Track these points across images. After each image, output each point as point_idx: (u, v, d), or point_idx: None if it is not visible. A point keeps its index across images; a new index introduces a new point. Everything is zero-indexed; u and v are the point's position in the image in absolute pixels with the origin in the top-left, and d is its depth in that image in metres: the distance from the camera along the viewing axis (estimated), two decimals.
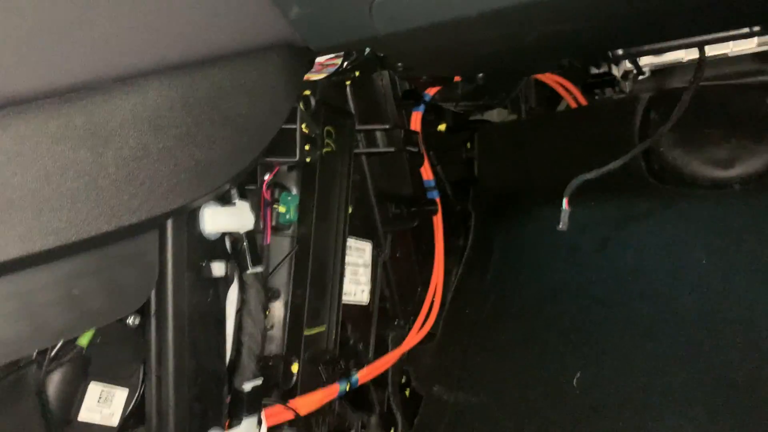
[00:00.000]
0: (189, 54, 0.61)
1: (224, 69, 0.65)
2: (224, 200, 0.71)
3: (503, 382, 0.95)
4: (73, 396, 0.61)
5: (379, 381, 0.98)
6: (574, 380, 0.90)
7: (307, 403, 0.78)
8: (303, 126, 0.79)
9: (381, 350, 1.00)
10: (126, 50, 0.56)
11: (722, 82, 1.03)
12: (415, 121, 1.05)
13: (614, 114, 1.11)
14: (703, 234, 0.95)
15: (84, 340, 0.60)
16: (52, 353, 0.58)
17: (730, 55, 1.00)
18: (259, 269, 0.72)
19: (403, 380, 1.02)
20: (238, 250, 0.71)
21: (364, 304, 0.98)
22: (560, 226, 0.90)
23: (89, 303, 0.57)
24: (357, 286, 0.97)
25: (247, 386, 0.70)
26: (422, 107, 1.04)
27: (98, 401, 0.63)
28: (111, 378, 0.65)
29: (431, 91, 1.05)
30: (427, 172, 1.07)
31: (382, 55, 0.78)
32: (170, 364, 0.63)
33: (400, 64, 0.69)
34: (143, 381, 0.68)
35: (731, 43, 0.98)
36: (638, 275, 0.96)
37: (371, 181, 1.00)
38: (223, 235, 0.70)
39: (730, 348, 0.85)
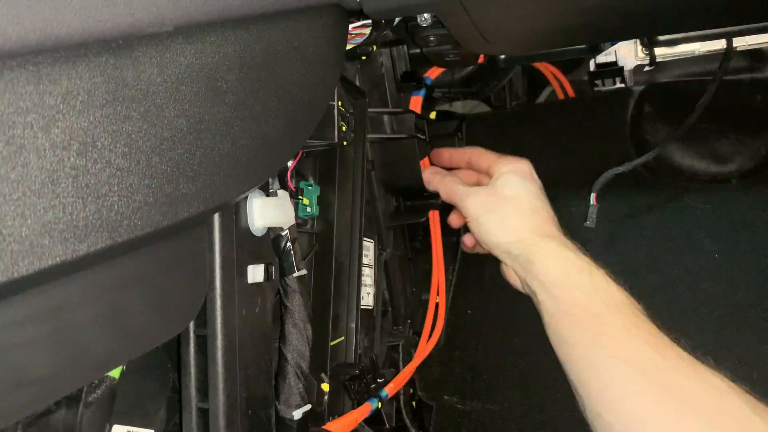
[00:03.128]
0: (250, 5, 0.49)
1: (278, 27, 0.53)
2: (265, 190, 0.58)
3: (525, 387, 0.89)
4: None
5: None
6: None
7: (343, 427, 0.67)
8: (339, 103, 0.68)
9: (390, 359, 0.91)
10: None
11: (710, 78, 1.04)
12: (415, 107, 0.96)
13: (605, 106, 1.09)
14: (712, 228, 0.95)
15: (116, 371, 0.46)
16: (86, 389, 0.43)
17: (720, 51, 1.00)
18: (304, 272, 0.60)
19: (410, 391, 0.93)
20: (281, 249, 0.59)
21: (370, 308, 0.88)
22: (587, 223, 0.87)
23: (135, 321, 0.43)
24: (364, 289, 0.87)
25: (297, 414, 0.58)
26: (423, 91, 0.96)
27: None
28: (135, 415, 0.51)
29: (433, 74, 0.97)
30: (425, 162, 0.98)
31: (427, 24, 0.69)
32: (220, 393, 0.50)
33: (464, 32, 0.61)
34: (169, 417, 0.54)
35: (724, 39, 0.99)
36: (651, 270, 0.94)
37: (376, 170, 0.90)
38: (268, 231, 0.58)
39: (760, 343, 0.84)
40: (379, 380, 0.80)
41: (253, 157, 0.50)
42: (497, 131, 1.16)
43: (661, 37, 0.91)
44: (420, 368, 0.93)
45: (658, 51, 0.95)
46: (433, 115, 1.08)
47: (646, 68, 0.98)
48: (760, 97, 1.03)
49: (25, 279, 0.34)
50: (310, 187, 0.72)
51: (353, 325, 0.77)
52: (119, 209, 0.39)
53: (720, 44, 0.95)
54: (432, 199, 0.97)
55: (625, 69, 0.98)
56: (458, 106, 1.36)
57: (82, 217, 0.37)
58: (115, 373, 0.46)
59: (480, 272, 1.04)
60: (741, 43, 0.99)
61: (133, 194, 0.40)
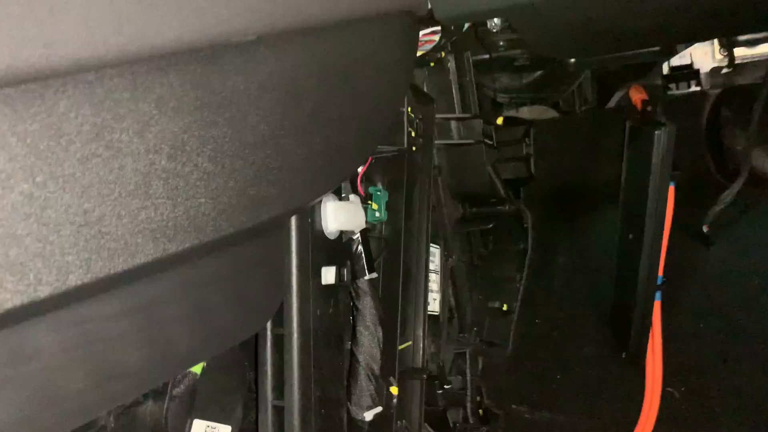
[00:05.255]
0: (327, 13, 0.50)
1: (353, 35, 0.54)
2: (338, 194, 0.60)
3: (595, 399, 0.87)
4: None
5: (456, 401, 0.88)
6: (676, 393, 0.83)
7: None
8: (408, 109, 0.68)
9: (456, 366, 0.91)
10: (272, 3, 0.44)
11: None
12: None
13: (679, 110, 1.06)
14: None
15: (198, 367, 0.48)
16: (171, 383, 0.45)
17: None
18: (374, 275, 0.61)
19: (477, 399, 0.92)
20: (353, 252, 0.60)
21: (436, 314, 0.88)
22: None
23: (218, 318, 0.45)
24: (430, 294, 0.87)
25: (369, 415, 0.58)
26: None
27: None
28: (215, 412, 0.52)
29: None
30: None
31: (497, 29, 0.69)
32: (295, 392, 0.51)
33: (534, 39, 0.60)
34: (245, 414, 0.56)
35: None
36: (729, 280, 0.90)
37: (443, 176, 0.90)
38: (341, 234, 0.59)
39: None
40: (446, 387, 0.80)
41: (328, 162, 0.51)
42: (566, 137, 1.15)
43: (741, 37, 0.88)
44: (488, 377, 0.93)
45: (738, 52, 0.91)
46: (500, 120, 1.07)
47: (724, 70, 0.95)
48: None
49: (121, 275, 0.36)
50: (378, 192, 0.72)
51: (420, 331, 0.77)
52: (206, 210, 0.41)
53: None
54: (499, 206, 0.96)
55: (701, 72, 0.94)
56: (524, 112, 1.34)
57: (171, 217, 0.39)
58: (197, 369, 0.48)
59: (549, 282, 1.02)
60: None
61: (219, 196, 0.41)
